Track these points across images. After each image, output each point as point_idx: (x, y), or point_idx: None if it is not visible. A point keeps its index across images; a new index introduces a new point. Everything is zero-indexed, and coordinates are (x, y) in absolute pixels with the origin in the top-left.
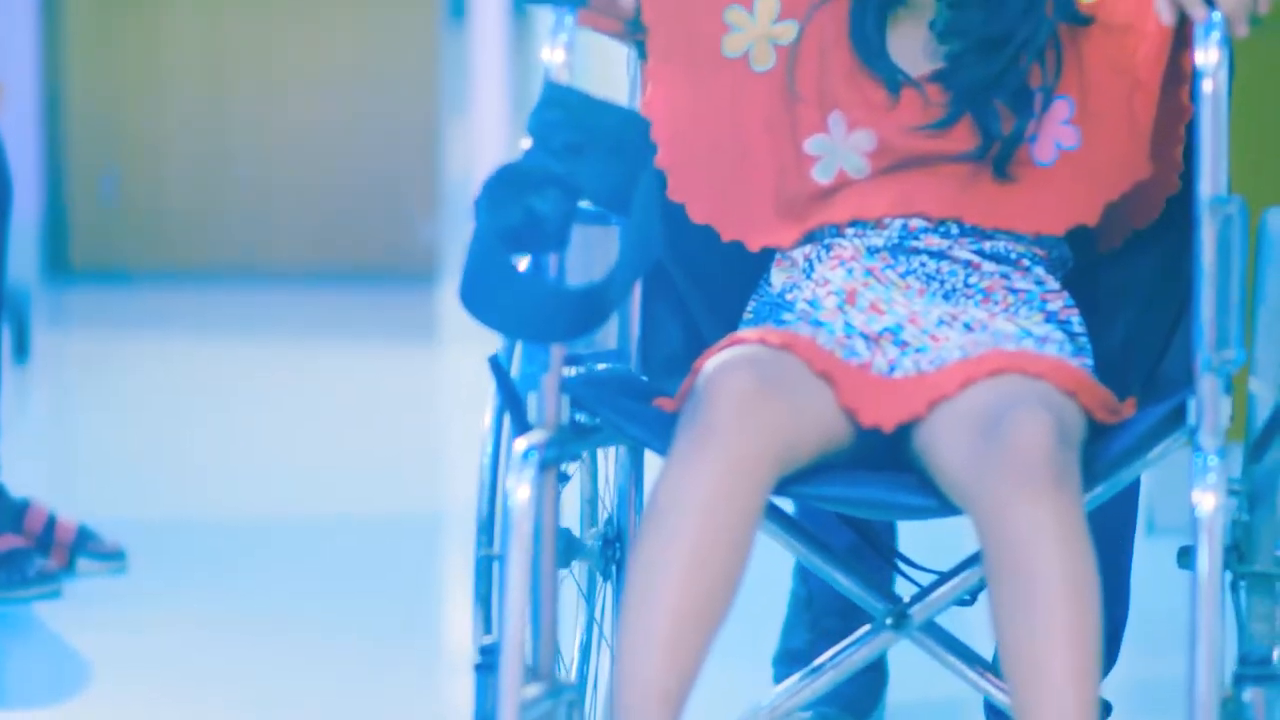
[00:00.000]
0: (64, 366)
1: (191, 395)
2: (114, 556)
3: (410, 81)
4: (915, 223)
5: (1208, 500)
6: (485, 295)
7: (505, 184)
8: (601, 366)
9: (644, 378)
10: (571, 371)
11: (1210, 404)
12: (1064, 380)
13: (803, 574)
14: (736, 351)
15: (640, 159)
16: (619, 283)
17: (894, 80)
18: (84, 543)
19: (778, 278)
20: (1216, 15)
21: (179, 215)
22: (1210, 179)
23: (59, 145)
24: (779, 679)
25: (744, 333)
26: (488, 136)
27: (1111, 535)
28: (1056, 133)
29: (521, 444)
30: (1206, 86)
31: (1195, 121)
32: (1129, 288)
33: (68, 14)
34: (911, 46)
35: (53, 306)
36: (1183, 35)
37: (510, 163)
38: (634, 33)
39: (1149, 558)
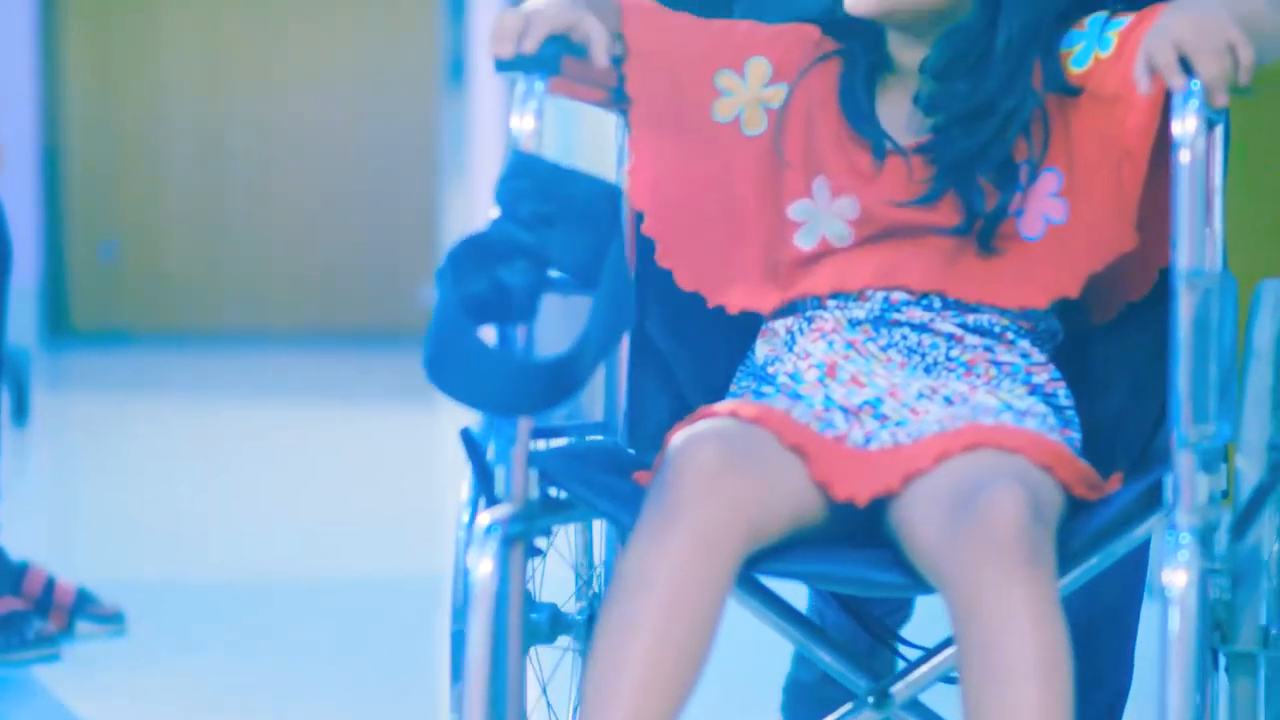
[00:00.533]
0: (63, 428)
1: (191, 457)
2: (113, 619)
3: (409, 145)
4: (897, 295)
5: (1178, 579)
6: (449, 368)
7: (471, 254)
8: (593, 439)
9: (631, 450)
10: (545, 444)
11: (1187, 481)
12: (1040, 454)
13: (819, 607)
14: (706, 425)
15: (610, 228)
16: (588, 354)
17: (880, 145)
18: (83, 605)
19: (761, 349)
20: (1195, 84)
21: (178, 278)
22: (1188, 251)
23: (58, 207)
24: (785, 708)
25: (716, 405)
26: (486, 200)
27: (1117, 601)
28: (1044, 206)
29: (485, 518)
30: (1183, 157)
31: (1175, 191)
32: (1123, 361)
33: (67, 77)
34: (899, 114)
35: (52, 368)
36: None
37: (476, 232)
38: (618, 101)
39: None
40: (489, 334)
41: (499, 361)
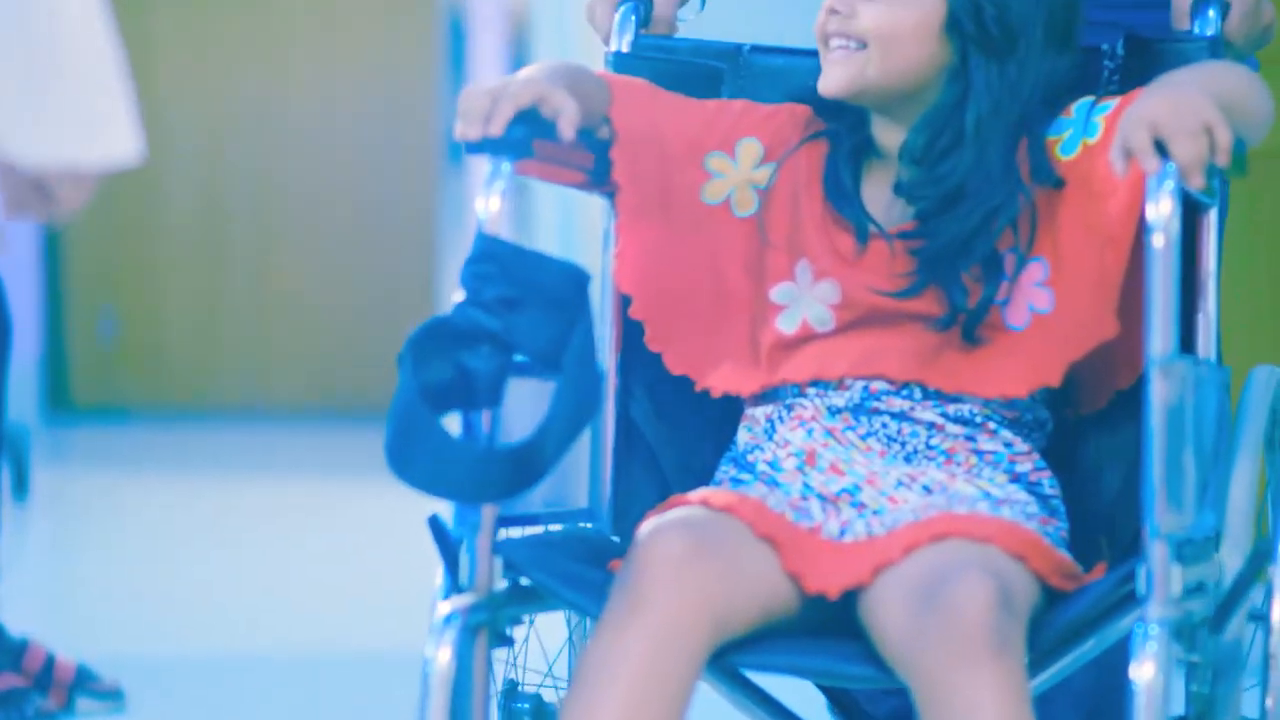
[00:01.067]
0: (63, 504)
1: (190, 533)
2: (113, 696)
3: (408, 222)
4: (877, 384)
5: (1144, 673)
6: (410, 456)
7: (433, 339)
8: (583, 525)
9: (615, 538)
10: (521, 532)
11: (1160, 573)
12: (1013, 544)
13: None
14: (675, 514)
15: (577, 313)
16: (552, 441)
17: (863, 228)
18: (83, 682)
19: (743, 437)
20: (1170, 166)
21: (178, 353)
22: (1161, 337)
23: (58, 283)
24: None
25: (689, 494)
26: None
27: (1115, 681)
28: (1030, 295)
29: (445, 607)
30: (1157, 241)
31: (1148, 276)
32: (1114, 450)
33: None
34: (884, 197)
35: (52, 444)
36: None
37: (439, 317)
38: (598, 184)
39: None
40: (453, 420)
41: (460, 449)
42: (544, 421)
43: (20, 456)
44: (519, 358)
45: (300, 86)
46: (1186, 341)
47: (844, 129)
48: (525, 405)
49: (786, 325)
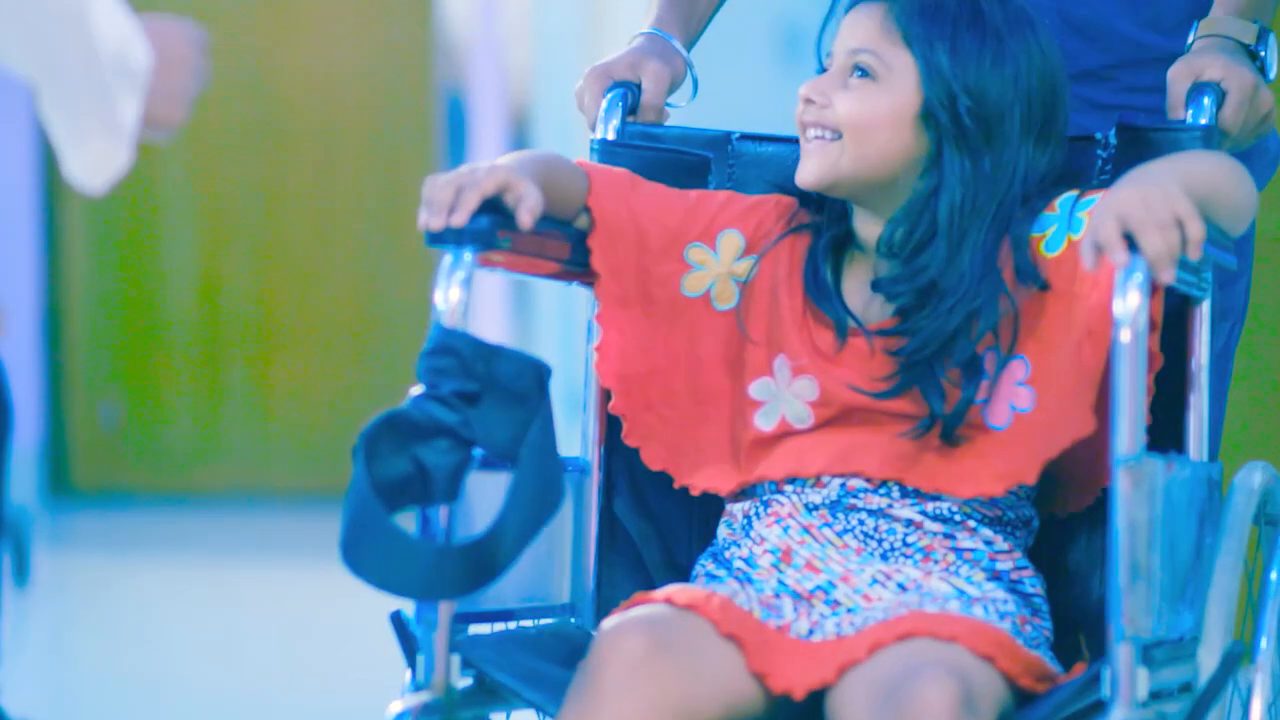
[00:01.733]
0: (64, 589)
1: (192, 620)
2: None
3: (408, 311)
4: (854, 482)
5: None
6: (363, 553)
7: (389, 433)
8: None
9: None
10: (491, 628)
11: (1125, 675)
12: (980, 643)
13: None
14: (636, 612)
15: (537, 406)
16: (509, 537)
17: (842, 324)
18: None
19: (722, 532)
20: (1139, 259)
21: (178, 439)
22: (1128, 435)
23: (59, 367)
24: None
25: (653, 591)
26: None
27: None
28: (1012, 394)
29: (396, 706)
30: (1123, 336)
31: (1114, 371)
32: (1101, 549)
33: (68, 239)
34: (865, 292)
35: (53, 529)
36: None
37: (394, 410)
38: (575, 274)
39: None
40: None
41: (412, 546)
42: (499, 517)
43: (21, 541)
44: (479, 452)
45: (299, 170)
46: (1177, 439)
47: (826, 221)
48: (487, 500)
49: (765, 422)
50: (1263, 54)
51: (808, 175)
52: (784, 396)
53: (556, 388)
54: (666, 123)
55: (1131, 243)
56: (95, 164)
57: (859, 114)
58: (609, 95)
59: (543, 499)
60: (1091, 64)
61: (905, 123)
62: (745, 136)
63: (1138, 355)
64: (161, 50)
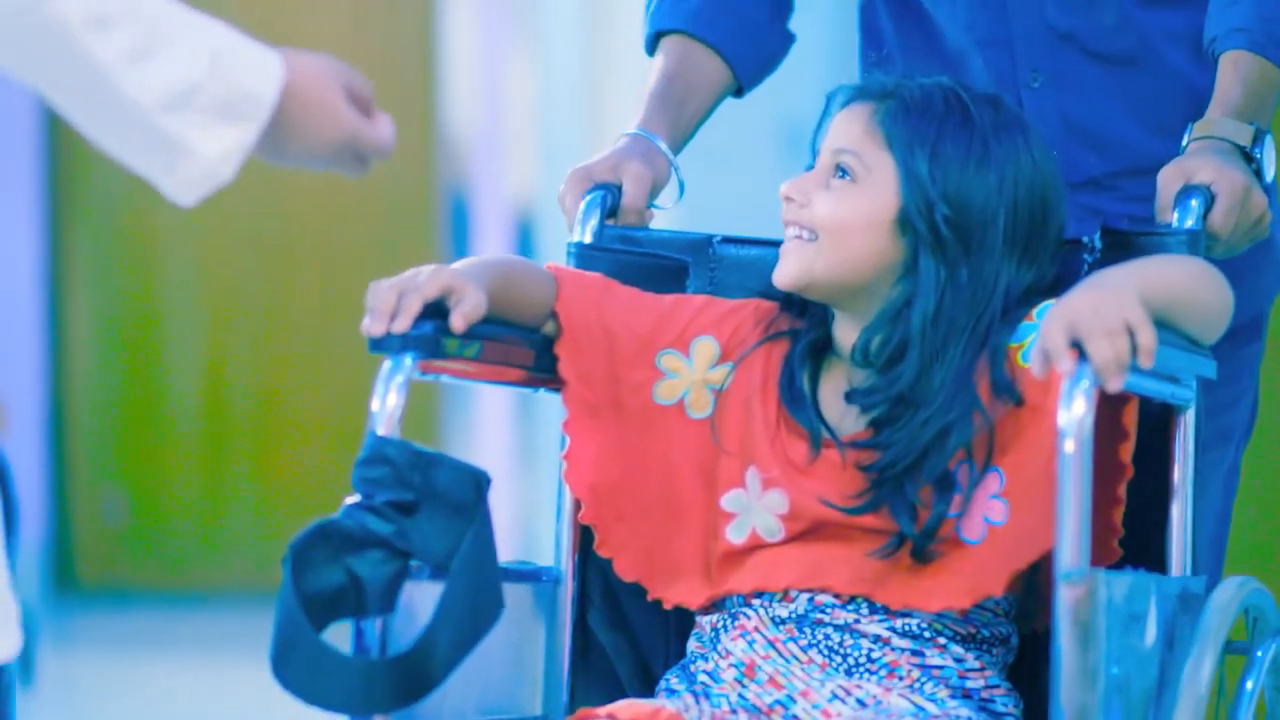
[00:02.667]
0: (68, 687)
1: (194, 716)
2: None
3: (409, 415)
4: (822, 597)
5: None
6: (292, 666)
7: (321, 543)
8: None
9: None
10: None
11: None
12: None
13: None
14: None
15: (475, 516)
16: (441, 650)
17: (816, 434)
18: None
19: (691, 645)
20: (1085, 367)
21: (183, 536)
22: (1070, 548)
23: (63, 464)
24: None
25: (596, 709)
26: (488, 458)
27: None
28: (985, 508)
29: None
30: (1067, 446)
31: (1059, 482)
32: None
33: (72, 333)
34: (841, 401)
35: (57, 626)
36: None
37: (326, 519)
38: (542, 381)
39: None
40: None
41: (338, 661)
42: (427, 629)
43: (25, 639)
44: (415, 563)
45: (304, 267)
46: (1159, 555)
47: (806, 326)
48: (428, 613)
49: (735, 535)
50: (1258, 156)
51: (783, 275)
52: (755, 509)
53: None
54: (652, 224)
55: (1082, 350)
56: (181, 184)
57: (835, 215)
58: (588, 197)
59: (477, 611)
60: (1095, 172)
61: (882, 227)
62: (727, 239)
63: (1082, 466)
64: (294, 85)
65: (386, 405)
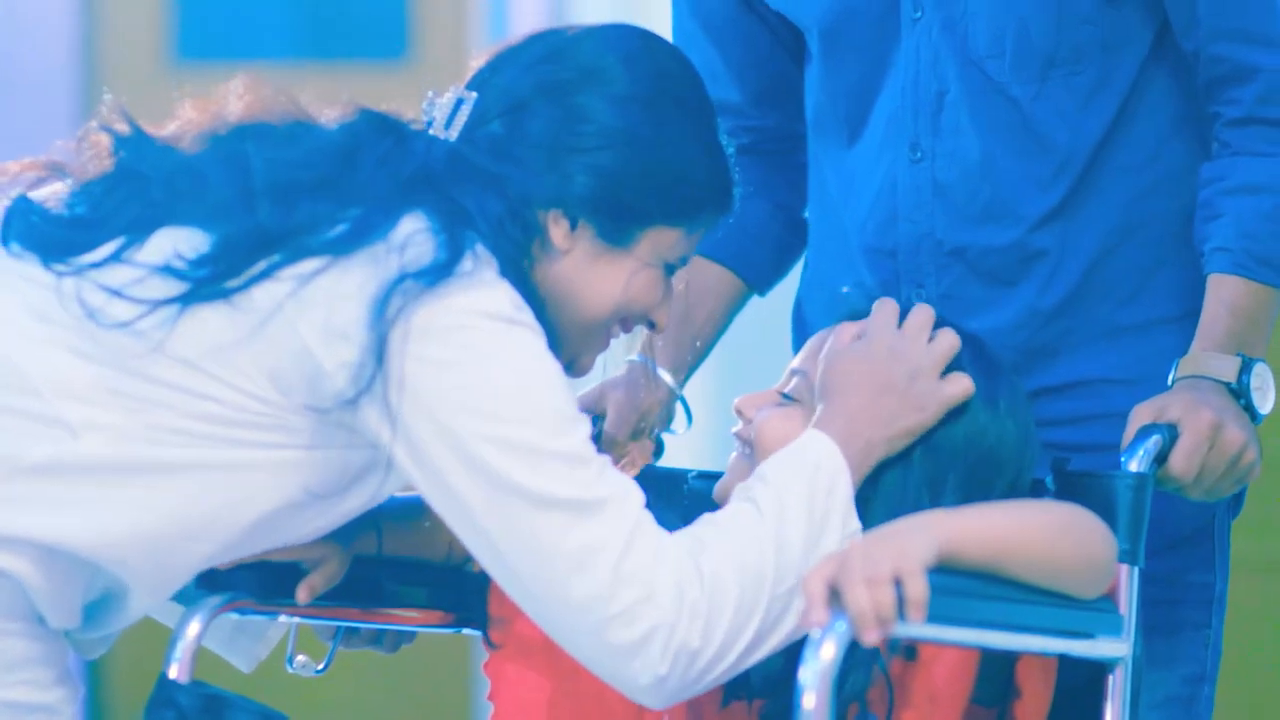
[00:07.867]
0: None
1: None
2: None
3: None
4: None
5: None
6: None
7: None
8: None
9: None
10: None
11: None
12: None
13: None
14: None
15: None
16: None
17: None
18: None
19: None
20: (840, 624)
21: None
22: None
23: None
24: None
25: None
26: None
27: None
28: None
29: None
30: (806, 702)
31: None
32: None
33: None
34: None
35: None
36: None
37: None
38: (465, 623)
39: None
40: None
41: None
42: None
43: None
44: None
45: None
46: None
47: None
48: None
49: None
50: (1245, 385)
51: (718, 488)
52: None
53: None
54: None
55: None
56: None
57: (768, 435)
58: None
59: None
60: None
61: None
62: (702, 475)
63: None
64: None
65: (180, 650)
